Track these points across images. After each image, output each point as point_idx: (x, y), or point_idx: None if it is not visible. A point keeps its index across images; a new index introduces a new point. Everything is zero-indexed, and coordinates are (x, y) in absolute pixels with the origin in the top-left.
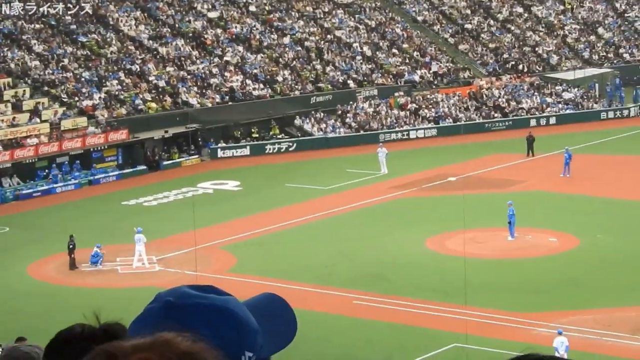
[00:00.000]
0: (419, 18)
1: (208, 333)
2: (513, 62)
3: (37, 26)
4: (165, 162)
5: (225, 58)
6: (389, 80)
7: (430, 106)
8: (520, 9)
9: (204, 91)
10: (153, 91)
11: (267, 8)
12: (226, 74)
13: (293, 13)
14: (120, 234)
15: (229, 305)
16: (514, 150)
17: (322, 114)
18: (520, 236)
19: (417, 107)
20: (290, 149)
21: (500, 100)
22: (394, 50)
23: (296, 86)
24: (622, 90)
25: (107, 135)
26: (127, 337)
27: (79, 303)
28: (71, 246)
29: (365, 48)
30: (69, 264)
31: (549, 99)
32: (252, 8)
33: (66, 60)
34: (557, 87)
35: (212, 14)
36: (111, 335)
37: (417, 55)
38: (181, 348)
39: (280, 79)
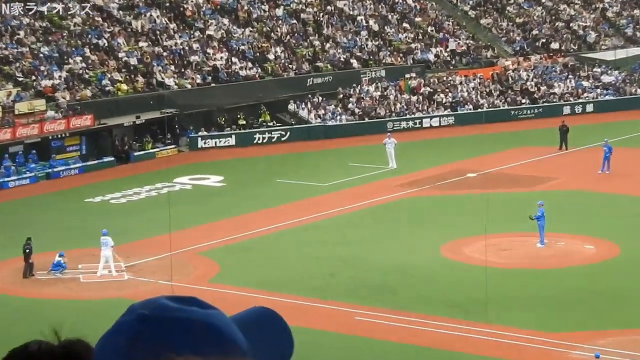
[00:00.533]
0: None
1: (188, 352)
2: (544, 40)
3: None
4: (137, 153)
5: (207, 32)
6: (398, 59)
7: (447, 90)
8: None
9: (182, 70)
10: (123, 70)
11: None
12: (209, 50)
13: None
14: (83, 237)
15: (213, 320)
16: (545, 143)
17: (320, 99)
18: (551, 242)
19: (431, 91)
20: (283, 139)
21: (528, 83)
22: (405, 25)
23: (290, 66)
24: None
25: (69, 121)
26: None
27: (35, 317)
28: (27, 250)
29: (371, 22)
30: (24, 271)
31: (585, 83)
32: None
33: (22, 33)
34: (595, 69)
35: None
36: (73, 354)
37: (432, 31)
38: None
39: (271, 57)
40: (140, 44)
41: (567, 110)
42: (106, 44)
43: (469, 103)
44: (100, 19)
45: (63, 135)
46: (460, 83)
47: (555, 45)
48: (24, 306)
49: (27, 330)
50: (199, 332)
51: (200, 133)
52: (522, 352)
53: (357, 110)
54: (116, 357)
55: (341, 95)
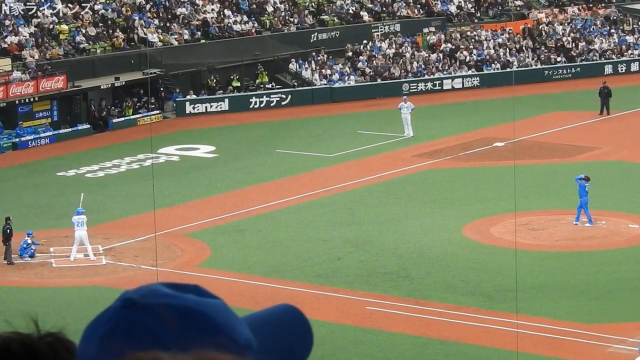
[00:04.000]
0: None
1: (173, 341)
2: None
3: None
4: (116, 120)
5: None
6: (415, 11)
7: (471, 47)
8: None
9: (167, 25)
10: (100, 25)
11: None
12: (198, 2)
13: None
14: (55, 215)
15: (207, 309)
16: (583, 107)
17: (325, 57)
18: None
19: (453, 47)
20: (283, 103)
21: (564, 39)
22: None
23: (291, 19)
24: None
25: (38, 83)
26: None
27: (0, 306)
28: (8, 231)
29: None
30: (4, 255)
31: (630, 38)
32: None
33: None
34: None
35: None
36: (47, 349)
37: None
38: None
39: (270, 9)
40: None
41: (608, 69)
42: None
43: (496, 61)
44: None
45: (31, 99)
46: (486, 38)
47: None
48: None
49: None
50: (188, 320)
51: (188, 97)
52: (556, 346)
53: (367, 70)
54: (97, 345)
55: (350, 53)
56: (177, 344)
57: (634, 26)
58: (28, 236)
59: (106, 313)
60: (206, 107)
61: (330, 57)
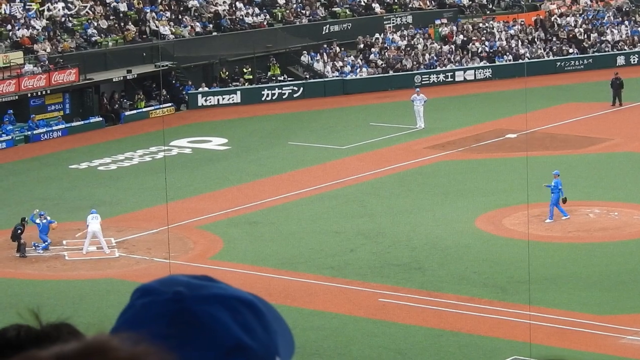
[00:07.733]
0: None
1: (238, 329)
2: None
3: None
4: (128, 113)
5: None
6: (427, 3)
7: (483, 38)
8: None
9: (179, 17)
10: (112, 17)
11: None
12: None
13: None
14: (67, 208)
15: (254, 298)
16: (595, 98)
17: (337, 49)
18: (603, 213)
19: (465, 39)
20: (295, 96)
21: (576, 30)
22: None
23: (303, 11)
24: None
25: (50, 76)
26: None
27: (13, 299)
28: (19, 231)
29: None
30: (17, 248)
31: None
32: None
33: None
34: None
35: None
36: (57, 340)
37: None
38: (121, 355)
39: (281, 1)
40: None
41: (621, 60)
42: None
43: (508, 53)
44: None
45: (44, 92)
46: (499, 30)
47: None
48: (1, 287)
49: (5, 313)
50: (245, 309)
51: (200, 89)
52: (569, 337)
53: (379, 62)
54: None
55: (362, 45)
56: (249, 333)
57: None
58: (40, 216)
59: (151, 307)
60: (218, 100)
61: (342, 49)
